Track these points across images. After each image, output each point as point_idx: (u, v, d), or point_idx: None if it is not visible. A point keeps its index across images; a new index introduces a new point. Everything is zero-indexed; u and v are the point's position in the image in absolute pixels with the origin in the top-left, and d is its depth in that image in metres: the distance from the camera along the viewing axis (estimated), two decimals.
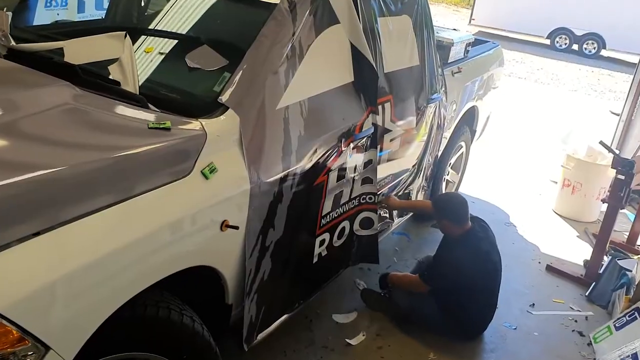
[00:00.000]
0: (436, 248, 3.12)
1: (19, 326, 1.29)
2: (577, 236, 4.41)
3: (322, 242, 2.48)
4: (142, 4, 3.02)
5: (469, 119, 4.25)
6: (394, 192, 3.29)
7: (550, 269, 3.82)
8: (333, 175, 2.38)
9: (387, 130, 2.80)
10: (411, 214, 3.59)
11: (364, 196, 2.69)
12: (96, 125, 1.75)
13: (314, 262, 2.46)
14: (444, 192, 4.05)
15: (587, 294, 3.56)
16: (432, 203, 3.12)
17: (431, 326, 2.94)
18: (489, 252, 2.94)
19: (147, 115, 1.83)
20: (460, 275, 2.79)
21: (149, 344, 1.70)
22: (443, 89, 3.43)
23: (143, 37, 2.46)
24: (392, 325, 2.99)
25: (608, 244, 3.72)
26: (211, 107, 1.93)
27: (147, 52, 2.34)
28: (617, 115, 5.54)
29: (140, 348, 1.68)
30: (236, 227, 1.87)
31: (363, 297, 3.13)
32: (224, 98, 1.92)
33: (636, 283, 3.20)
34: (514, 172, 5.49)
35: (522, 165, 5.73)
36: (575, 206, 4.63)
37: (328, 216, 2.46)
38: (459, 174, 4.45)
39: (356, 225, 2.73)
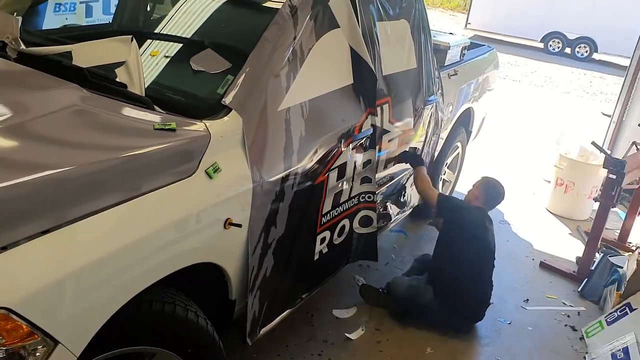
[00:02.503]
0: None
1: (28, 321, 1.29)
2: (570, 234, 4.41)
3: (322, 240, 2.48)
4: (148, 8, 3.02)
5: (465, 120, 4.24)
6: (392, 191, 3.29)
7: (543, 265, 3.82)
8: (333, 175, 2.38)
9: (386, 131, 2.79)
10: (409, 211, 3.59)
11: (363, 195, 2.69)
12: (103, 126, 1.75)
13: (314, 259, 2.46)
14: (440, 191, 4.05)
15: (579, 289, 3.56)
16: (483, 178, 3.28)
17: (428, 315, 2.95)
18: (488, 231, 3.06)
19: (153, 117, 1.82)
20: (463, 226, 2.96)
21: (155, 338, 1.70)
22: (440, 91, 3.42)
23: (149, 40, 2.45)
24: (390, 320, 2.99)
25: (600, 242, 3.72)
26: (215, 109, 1.93)
27: (153, 55, 2.34)
28: (609, 116, 5.52)
29: (146, 342, 1.68)
30: (239, 225, 1.87)
31: (362, 293, 3.12)
32: (227, 100, 1.92)
33: (627, 279, 3.20)
34: (509, 172, 5.46)
35: (516, 165, 5.72)
36: (568, 205, 4.63)
37: (328, 214, 2.46)
38: (455, 174, 4.45)
39: (356, 224, 2.73)
